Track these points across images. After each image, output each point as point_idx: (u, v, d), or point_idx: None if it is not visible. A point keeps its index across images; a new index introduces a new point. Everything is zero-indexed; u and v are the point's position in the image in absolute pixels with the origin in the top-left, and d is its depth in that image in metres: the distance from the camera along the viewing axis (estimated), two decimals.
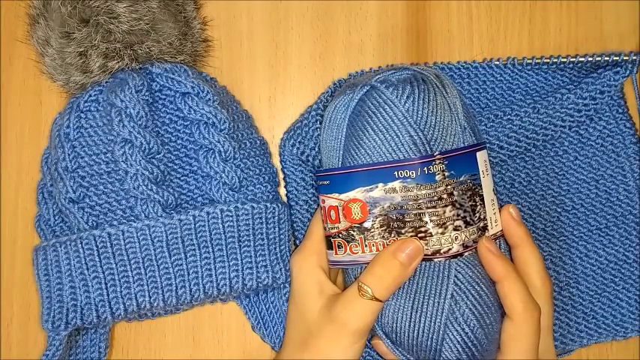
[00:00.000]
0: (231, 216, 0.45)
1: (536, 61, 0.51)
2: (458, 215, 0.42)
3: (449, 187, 0.42)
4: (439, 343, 0.42)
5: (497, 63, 0.52)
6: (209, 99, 0.46)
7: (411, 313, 0.42)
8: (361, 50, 0.54)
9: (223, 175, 0.46)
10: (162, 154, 0.46)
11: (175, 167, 0.47)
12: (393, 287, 0.42)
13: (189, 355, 0.51)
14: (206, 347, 0.52)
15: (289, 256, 0.49)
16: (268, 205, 0.47)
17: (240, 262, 0.46)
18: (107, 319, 0.44)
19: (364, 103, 0.44)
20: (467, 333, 0.41)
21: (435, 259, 0.42)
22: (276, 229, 0.48)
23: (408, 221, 0.42)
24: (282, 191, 0.52)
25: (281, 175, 0.52)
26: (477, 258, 0.43)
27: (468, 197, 0.43)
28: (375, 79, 0.44)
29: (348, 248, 0.44)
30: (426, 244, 0.42)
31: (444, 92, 0.44)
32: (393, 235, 0.42)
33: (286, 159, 0.51)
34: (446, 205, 0.42)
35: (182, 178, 0.47)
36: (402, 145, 0.42)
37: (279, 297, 0.49)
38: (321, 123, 0.48)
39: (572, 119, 0.51)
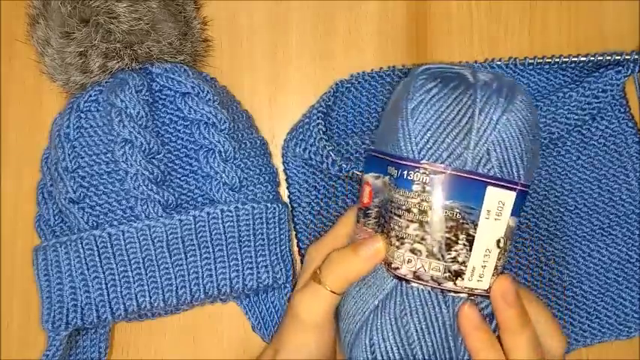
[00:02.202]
0: (232, 216, 0.45)
1: (538, 60, 0.51)
2: (422, 239, 0.37)
3: (424, 203, 0.37)
4: (352, 344, 0.40)
5: (499, 63, 0.52)
6: (209, 99, 0.46)
7: (350, 299, 0.41)
8: (361, 50, 0.54)
9: (223, 175, 0.46)
10: (162, 154, 0.46)
11: (175, 167, 0.47)
12: (344, 280, 0.41)
13: (189, 355, 0.51)
14: (206, 347, 0.51)
15: (290, 256, 0.49)
16: (269, 205, 0.47)
17: (240, 262, 0.45)
18: (107, 319, 0.44)
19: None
20: (374, 350, 0.38)
21: (386, 271, 0.40)
22: (277, 229, 0.48)
23: (387, 221, 0.39)
24: (283, 191, 0.52)
25: (282, 176, 0.52)
26: (434, 304, 0.38)
27: (448, 228, 0.37)
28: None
29: (358, 225, 0.43)
30: (387, 251, 0.40)
31: (506, 107, 0.38)
32: (379, 230, 0.41)
33: (289, 160, 0.51)
34: (411, 221, 0.37)
35: (182, 178, 0.47)
36: (405, 142, 0.38)
37: (279, 297, 0.49)
38: (323, 122, 0.49)
39: (576, 119, 0.50)
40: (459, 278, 0.37)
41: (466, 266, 0.37)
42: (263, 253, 0.47)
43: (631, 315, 0.50)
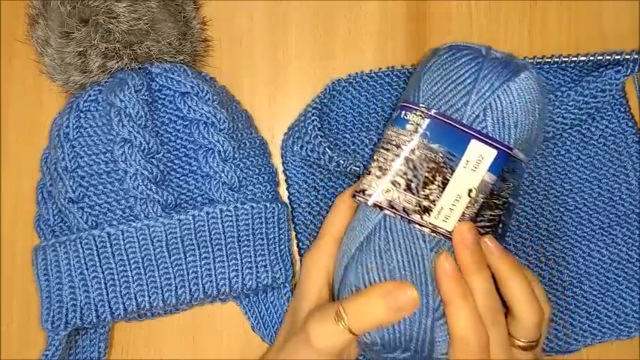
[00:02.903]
0: (231, 216, 0.45)
1: (537, 60, 0.51)
2: (404, 174, 0.41)
3: (412, 142, 0.41)
4: (340, 282, 0.43)
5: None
6: (208, 99, 0.46)
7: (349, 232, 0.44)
8: (361, 50, 0.54)
9: (223, 174, 0.46)
10: (161, 153, 0.46)
11: (175, 167, 0.47)
12: (369, 327, 0.40)
13: (188, 355, 0.51)
14: (206, 347, 0.51)
15: (289, 256, 0.49)
16: (268, 204, 0.47)
17: (239, 262, 0.45)
18: (106, 318, 0.44)
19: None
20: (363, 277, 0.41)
21: (358, 198, 0.42)
22: (276, 228, 0.48)
23: (373, 154, 0.43)
24: (283, 191, 0.52)
25: (282, 176, 0.52)
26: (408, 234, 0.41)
27: (428, 168, 0.41)
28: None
29: None
30: (361, 181, 0.43)
31: (509, 77, 0.42)
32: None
33: (288, 160, 0.51)
34: (397, 155, 0.41)
35: (181, 178, 0.47)
36: (413, 90, 0.43)
37: (279, 297, 0.49)
38: (319, 119, 0.49)
39: (573, 118, 0.50)
40: (427, 214, 0.41)
41: (435, 205, 0.41)
42: (262, 252, 0.46)
43: (631, 315, 0.50)
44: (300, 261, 0.49)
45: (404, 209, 0.41)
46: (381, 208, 0.41)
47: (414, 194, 0.41)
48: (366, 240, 0.42)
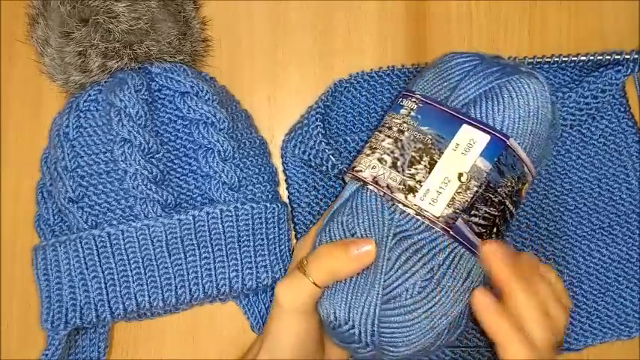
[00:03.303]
0: (231, 216, 0.45)
1: (538, 60, 0.51)
2: (392, 152, 0.42)
3: (404, 124, 0.42)
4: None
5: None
6: (208, 98, 0.46)
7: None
8: (361, 50, 0.54)
9: (223, 174, 0.46)
10: (161, 153, 0.46)
11: (175, 167, 0.47)
12: (327, 273, 0.40)
13: (188, 355, 0.51)
14: (205, 347, 0.51)
15: (289, 256, 0.49)
16: (268, 205, 0.47)
17: (239, 262, 0.45)
18: (106, 318, 0.44)
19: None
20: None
21: (347, 174, 0.43)
22: (276, 229, 0.48)
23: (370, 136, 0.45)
24: (283, 191, 0.52)
25: (281, 176, 0.52)
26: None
27: (415, 149, 0.41)
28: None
29: None
30: (354, 159, 0.44)
31: (501, 76, 0.42)
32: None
33: (288, 161, 0.51)
34: (388, 136, 0.42)
35: (181, 178, 0.47)
36: (415, 80, 0.45)
37: None
38: (322, 124, 0.49)
39: (573, 118, 0.50)
40: (412, 194, 0.40)
41: (422, 185, 0.40)
42: (262, 252, 0.46)
43: (631, 315, 0.50)
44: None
45: (388, 186, 0.41)
46: (365, 183, 0.42)
47: (399, 172, 0.41)
48: (335, 212, 0.43)
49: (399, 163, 0.41)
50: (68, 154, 0.45)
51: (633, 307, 0.50)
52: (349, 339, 0.40)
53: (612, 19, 0.54)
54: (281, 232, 0.48)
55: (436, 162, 0.40)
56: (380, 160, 0.42)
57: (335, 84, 0.51)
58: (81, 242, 0.44)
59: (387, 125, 0.43)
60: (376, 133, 0.44)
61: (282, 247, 0.48)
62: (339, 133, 0.52)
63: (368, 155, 0.43)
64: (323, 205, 0.51)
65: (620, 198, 0.51)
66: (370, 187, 0.41)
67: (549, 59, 0.51)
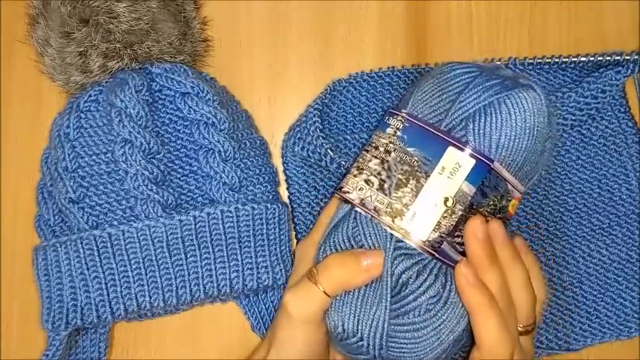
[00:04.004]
0: (232, 217, 0.45)
1: (538, 60, 0.51)
2: (378, 174, 0.41)
3: (391, 145, 0.41)
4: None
5: (499, 63, 0.52)
6: (209, 99, 0.46)
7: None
8: (361, 50, 0.54)
9: (223, 175, 0.46)
10: (162, 154, 0.46)
11: (175, 167, 0.47)
12: (338, 283, 0.40)
13: (189, 355, 0.51)
14: (206, 347, 0.51)
15: (290, 256, 0.49)
16: (269, 205, 0.47)
17: (240, 262, 0.45)
18: (107, 319, 0.44)
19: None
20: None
21: (336, 195, 0.44)
22: (277, 229, 0.48)
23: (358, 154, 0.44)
24: (283, 191, 0.52)
25: (282, 176, 0.52)
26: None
27: (402, 171, 0.41)
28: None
29: None
30: (341, 181, 0.44)
31: (500, 93, 0.41)
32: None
33: (289, 160, 0.51)
34: (375, 157, 0.42)
35: (182, 178, 0.47)
36: (403, 98, 0.44)
37: (279, 297, 0.49)
38: (320, 120, 0.49)
39: (573, 118, 0.51)
40: (398, 217, 0.40)
41: (408, 209, 0.40)
42: (263, 253, 0.46)
43: (631, 315, 0.50)
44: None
45: (375, 209, 0.41)
46: (353, 205, 0.42)
47: (385, 195, 0.41)
48: (335, 227, 0.43)
49: (385, 186, 0.41)
50: (69, 155, 0.45)
51: (633, 307, 0.50)
52: (356, 351, 0.41)
53: (612, 20, 0.54)
54: (282, 232, 0.48)
55: (422, 185, 0.40)
56: (367, 181, 0.42)
57: (334, 83, 0.52)
58: (82, 243, 0.44)
59: (373, 145, 0.43)
60: (363, 152, 0.43)
61: (283, 247, 0.48)
62: (339, 133, 0.52)
63: (355, 176, 0.42)
64: (323, 205, 0.51)
65: (620, 198, 0.51)
66: (358, 209, 0.41)
67: (549, 59, 0.51)
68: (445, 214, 0.40)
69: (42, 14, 0.46)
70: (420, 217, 0.40)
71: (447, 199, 0.40)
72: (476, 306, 0.39)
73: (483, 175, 0.40)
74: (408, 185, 0.40)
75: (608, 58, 0.50)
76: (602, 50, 0.51)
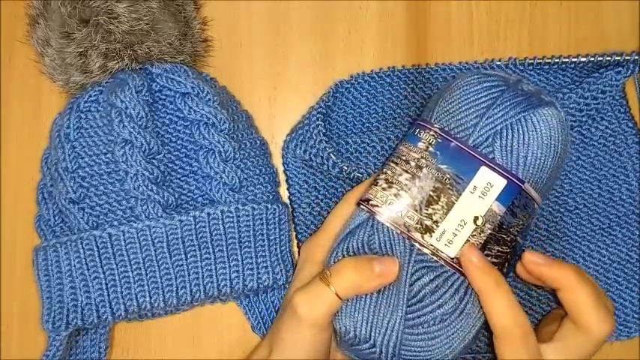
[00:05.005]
0: (232, 217, 0.45)
1: (538, 61, 0.51)
2: (409, 189, 0.41)
3: (422, 160, 0.41)
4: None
5: (499, 63, 0.52)
6: (209, 99, 0.46)
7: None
8: (361, 50, 0.54)
9: (223, 175, 0.46)
10: (162, 154, 0.46)
11: (175, 168, 0.47)
12: (350, 286, 0.40)
13: (189, 355, 0.51)
14: (206, 347, 0.51)
15: (290, 257, 0.49)
16: (269, 206, 0.47)
17: (240, 262, 0.45)
18: (108, 319, 0.44)
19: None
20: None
21: (362, 207, 0.43)
22: (277, 229, 0.48)
23: (382, 166, 0.44)
24: (283, 192, 0.52)
25: (282, 176, 0.52)
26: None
27: (433, 188, 0.41)
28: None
29: None
30: (367, 191, 0.43)
31: (526, 110, 0.42)
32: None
33: (289, 161, 0.51)
34: (406, 171, 0.42)
35: (182, 179, 0.47)
36: (430, 109, 0.44)
37: (279, 297, 0.49)
38: (323, 124, 0.49)
39: (573, 119, 0.51)
40: (428, 234, 0.40)
41: (438, 226, 0.40)
42: (263, 253, 0.47)
43: (631, 315, 0.50)
44: (298, 252, 0.50)
45: (405, 224, 0.41)
46: (382, 222, 0.41)
47: (416, 211, 0.41)
48: (351, 233, 0.43)
49: (416, 202, 0.41)
50: (69, 155, 0.45)
51: (633, 308, 0.50)
52: (367, 356, 0.41)
53: (612, 20, 0.54)
54: (282, 232, 0.48)
55: (454, 204, 0.40)
56: (397, 196, 0.41)
57: (336, 84, 0.51)
58: (82, 243, 0.44)
59: (403, 158, 0.42)
60: (391, 164, 0.43)
61: (283, 247, 0.48)
62: (340, 134, 0.52)
63: (385, 190, 0.42)
64: (324, 206, 0.51)
65: (620, 199, 0.51)
66: (387, 224, 0.41)
67: (549, 60, 0.51)
68: (474, 233, 0.40)
69: (42, 14, 0.46)
70: (450, 235, 0.40)
71: (476, 218, 0.40)
72: (481, 287, 0.39)
73: (514, 195, 0.41)
74: (439, 202, 0.40)
75: (608, 58, 0.50)
76: (602, 50, 0.51)
